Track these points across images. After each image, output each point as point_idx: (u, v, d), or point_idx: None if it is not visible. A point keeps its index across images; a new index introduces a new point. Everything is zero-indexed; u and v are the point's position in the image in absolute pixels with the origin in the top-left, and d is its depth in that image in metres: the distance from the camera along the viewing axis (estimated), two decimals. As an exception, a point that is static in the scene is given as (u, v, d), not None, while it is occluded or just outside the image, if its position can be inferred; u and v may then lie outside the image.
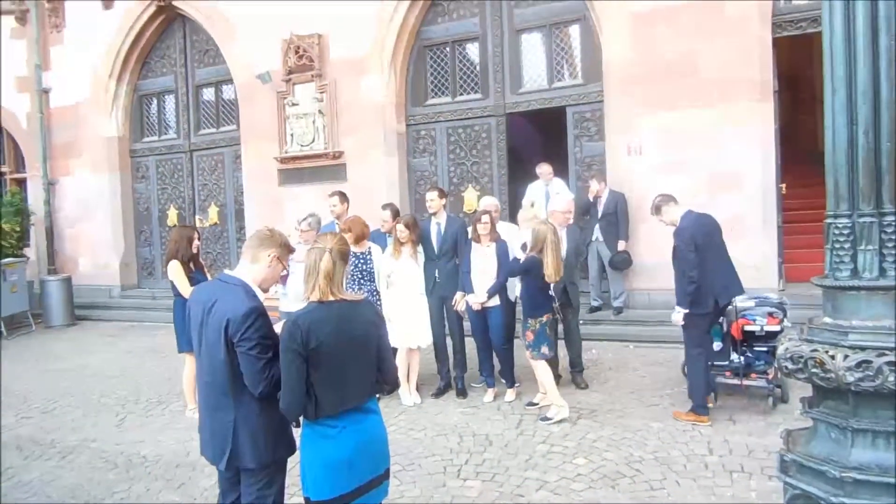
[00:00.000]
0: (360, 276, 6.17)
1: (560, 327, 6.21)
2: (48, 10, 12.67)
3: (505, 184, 9.61)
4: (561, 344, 6.35)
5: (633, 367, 6.98)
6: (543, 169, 8.68)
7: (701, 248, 5.12)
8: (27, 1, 12.73)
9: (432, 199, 6.50)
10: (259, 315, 2.75)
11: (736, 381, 5.50)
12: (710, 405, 5.36)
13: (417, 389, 6.32)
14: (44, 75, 12.75)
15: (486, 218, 6.07)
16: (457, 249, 6.39)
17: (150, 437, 5.65)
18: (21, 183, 13.62)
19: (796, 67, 11.69)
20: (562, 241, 6.19)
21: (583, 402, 5.85)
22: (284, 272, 3.11)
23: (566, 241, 6.27)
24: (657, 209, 5.44)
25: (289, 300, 6.01)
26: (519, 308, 6.14)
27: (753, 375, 5.49)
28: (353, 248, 6.06)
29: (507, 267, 5.95)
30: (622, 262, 8.22)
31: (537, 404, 5.80)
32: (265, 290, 3.05)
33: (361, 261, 6.19)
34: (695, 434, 5.01)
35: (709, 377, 5.39)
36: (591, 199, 8.31)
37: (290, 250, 3.10)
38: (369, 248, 6.27)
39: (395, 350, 6.10)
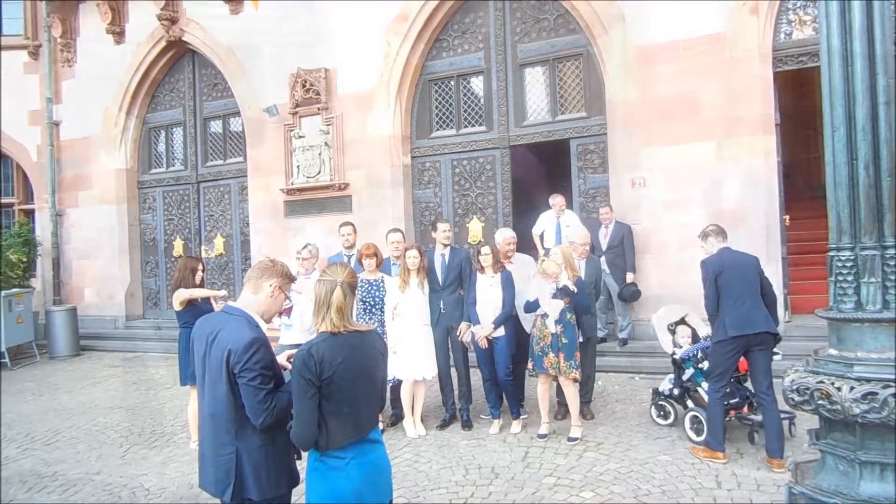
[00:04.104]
0: (371, 303, 6.15)
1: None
2: (60, 46, 12.94)
3: (509, 215, 9.67)
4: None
5: (639, 398, 6.93)
6: (556, 200, 8.66)
7: (720, 283, 5.13)
8: (40, 35, 13.06)
9: (445, 231, 6.54)
10: (261, 346, 2.76)
11: (755, 417, 5.41)
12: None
13: (422, 421, 6.28)
14: (54, 108, 12.99)
15: (486, 249, 6.12)
16: (461, 280, 6.40)
17: (153, 470, 5.61)
18: (29, 214, 13.76)
19: (799, 103, 11.78)
20: (581, 271, 6.30)
21: (589, 435, 5.80)
22: (288, 304, 3.13)
23: (585, 271, 6.46)
24: (705, 237, 5.45)
25: (293, 332, 5.92)
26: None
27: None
28: (367, 276, 6.07)
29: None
30: (631, 295, 8.20)
31: (546, 435, 5.78)
32: (268, 321, 3.05)
33: (375, 288, 6.19)
34: (703, 467, 4.96)
35: (725, 415, 5.30)
36: (602, 226, 8.33)
37: (292, 280, 3.12)
38: (382, 277, 6.28)
39: (400, 381, 6.14)
